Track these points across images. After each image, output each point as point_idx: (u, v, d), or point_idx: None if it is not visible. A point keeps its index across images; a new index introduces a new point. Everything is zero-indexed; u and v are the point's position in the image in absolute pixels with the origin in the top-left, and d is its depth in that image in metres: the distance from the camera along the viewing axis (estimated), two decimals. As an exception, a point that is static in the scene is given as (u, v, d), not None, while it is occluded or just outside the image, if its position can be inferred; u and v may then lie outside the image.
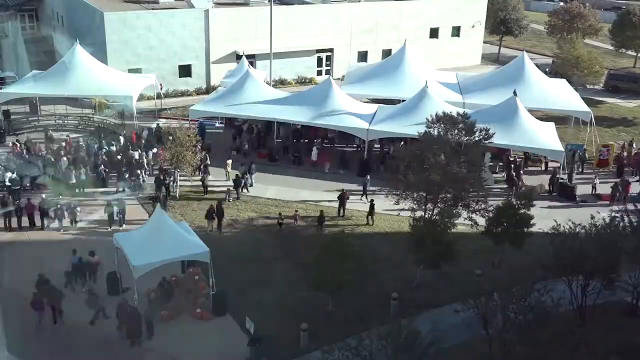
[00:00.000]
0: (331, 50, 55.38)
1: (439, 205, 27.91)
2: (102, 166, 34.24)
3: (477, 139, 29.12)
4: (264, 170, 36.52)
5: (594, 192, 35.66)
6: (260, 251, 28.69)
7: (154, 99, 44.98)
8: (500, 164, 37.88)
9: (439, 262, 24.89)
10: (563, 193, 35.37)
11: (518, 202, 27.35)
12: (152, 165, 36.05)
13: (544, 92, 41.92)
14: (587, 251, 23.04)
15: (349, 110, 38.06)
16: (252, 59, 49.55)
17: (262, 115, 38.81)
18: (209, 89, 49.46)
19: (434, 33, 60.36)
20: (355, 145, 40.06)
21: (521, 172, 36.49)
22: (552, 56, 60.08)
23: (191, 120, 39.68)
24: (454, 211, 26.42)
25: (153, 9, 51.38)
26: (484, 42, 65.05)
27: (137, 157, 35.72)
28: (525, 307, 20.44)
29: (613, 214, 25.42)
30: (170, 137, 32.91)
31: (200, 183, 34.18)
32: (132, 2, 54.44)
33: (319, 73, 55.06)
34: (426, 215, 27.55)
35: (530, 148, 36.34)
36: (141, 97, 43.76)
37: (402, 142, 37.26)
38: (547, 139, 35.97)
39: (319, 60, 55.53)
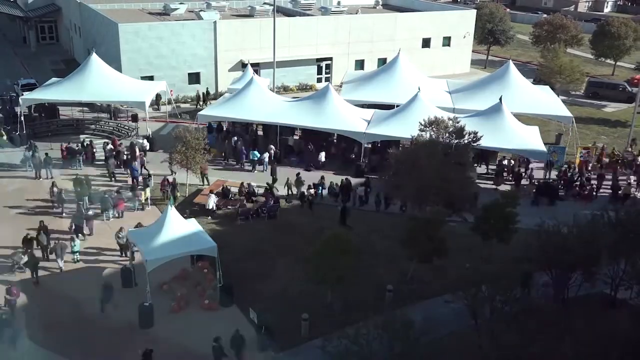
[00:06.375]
0: (330, 59, 55.30)
1: (431, 204, 27.80)
2: None
3: (466, 141, 29.06)
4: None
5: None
6: (263, 246, 28.65)
7: (165, 104, 44.96)
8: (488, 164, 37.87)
9: (432, 256, 24.85)
10: (546, 192, 35.29)
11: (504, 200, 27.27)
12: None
13: (529, 98, 41.87)
14: (569, 246, 23.00)
15: (346, 114, 37.98)
16: (256, 67, 49.52)
17: (265, 120, 38.75)
18: (216, 95, 49.43)
19: (426, 43, 60.32)
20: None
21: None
22: (537, 64, 60.04)
23: (200, 124, 39.62)
24: (445, 210, 26.32)
25: (164, 20, 51.28)
26: (473, 51, 65.04)
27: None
28: (512, 299, 20.41)
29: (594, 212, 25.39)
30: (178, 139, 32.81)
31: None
32: (144, 14, 54.40)
33: (319, 80, 54.97)
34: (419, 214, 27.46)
35: (516, 150, 36.27)
36: (153, 103, 43.75)
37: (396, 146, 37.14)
38: (531, 141, 35.90)
39: (319, 68, 55.45)
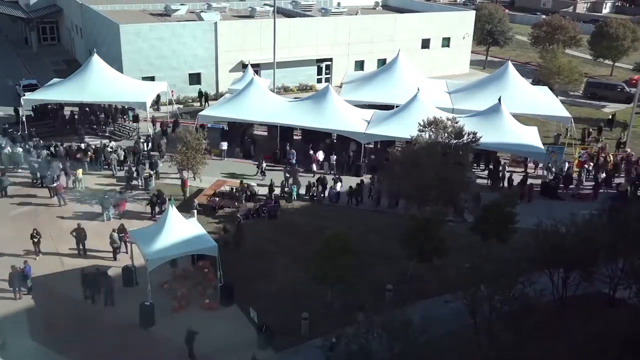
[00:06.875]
0: (330, 59, 55.27)
1: (430, 204, 27.76)
2: None
3: (465, 141, 29.01)
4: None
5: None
6: (264, 246, 28.62)
7: (166, 104, 44.96)
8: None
9: (431, 256, 24.80)
10: (546, 192, 35.27)
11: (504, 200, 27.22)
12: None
13: (528, 99, 41.82)
14: (567, 246, 22.96)
15: (346, 115, 37.94)
16: (257, 67, 49.47)
17: (266, 120, 38.72)
18: (217, 96, 49.40)
19: (425, 44, 60.28)
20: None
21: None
22: (535, 65, 59.95)
23: (200, 125, 39.53)
24: (444, 209, 26.28)
25: (165, 21, 51.21)
26: (472, 52, 64.99)
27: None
28: (510, 298, 20.37)
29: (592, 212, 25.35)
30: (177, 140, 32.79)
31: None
32: (146, 15, 54.32)
33: (319, 81, 54.94)
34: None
35: (515, 150, 36.23)
36: (153, 103, 43.66)
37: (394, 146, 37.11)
38: (530, 142, 35.86)
39: (319, 69, 55.42)
